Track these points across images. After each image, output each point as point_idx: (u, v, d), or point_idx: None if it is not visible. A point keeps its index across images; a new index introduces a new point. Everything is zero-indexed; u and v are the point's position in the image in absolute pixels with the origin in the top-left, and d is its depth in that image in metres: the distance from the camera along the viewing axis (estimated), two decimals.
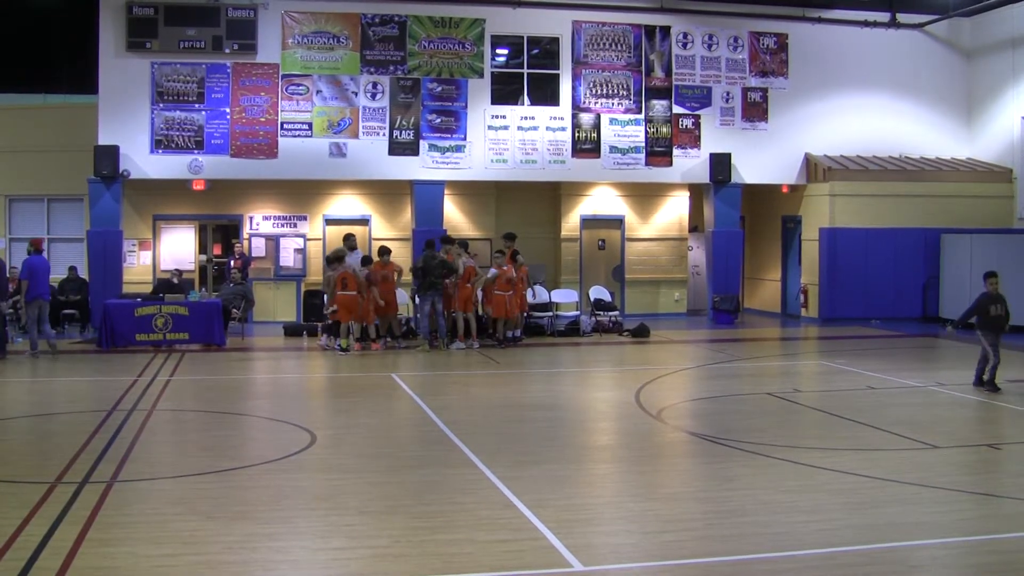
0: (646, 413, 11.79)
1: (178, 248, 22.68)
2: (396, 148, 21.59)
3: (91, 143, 20.44)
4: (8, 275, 17.77)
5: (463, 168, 21.93)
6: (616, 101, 22.59)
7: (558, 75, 22.39)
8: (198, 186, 21.30)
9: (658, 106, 22.80)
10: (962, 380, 13.75)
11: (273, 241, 22.73)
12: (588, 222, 24.08)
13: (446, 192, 22.31)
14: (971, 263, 21.55)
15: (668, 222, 24.43)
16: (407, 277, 19.11)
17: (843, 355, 17.18)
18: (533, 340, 19.32)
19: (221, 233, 23.32)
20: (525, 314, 19.52)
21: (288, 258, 22.77)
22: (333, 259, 17.97)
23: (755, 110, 23.33)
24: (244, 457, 9.59)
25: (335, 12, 21.36)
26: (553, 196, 24.07)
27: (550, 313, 20.95)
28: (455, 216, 23.22)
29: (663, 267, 24.38)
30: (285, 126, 21.19)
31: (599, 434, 10.95)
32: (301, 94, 21.25)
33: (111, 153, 20.16)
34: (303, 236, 22.83)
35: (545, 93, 22.46)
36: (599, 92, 22.49)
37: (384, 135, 21.54)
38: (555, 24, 22.38)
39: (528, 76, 22.40)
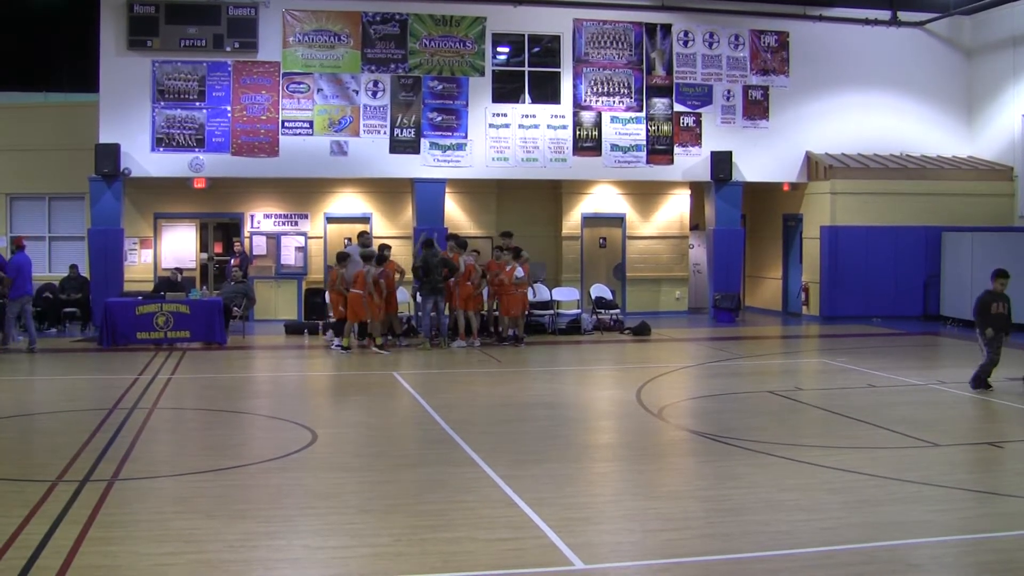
0: (647, 411, 11.78)
1: (179, 246, 22.68)
2: (397, 146, 21.58)
3: (92, 141, 20.46)
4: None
5: (464, 166, 21.92)
6: (617, 99, 22.57)
7: (559, 73, 22.38)
8: (199, 184, 21.29)
9: (659, 104, 22.78)
10: (964, 378, 13.72)
11: (274, 239, 22.72)
12: (589, 220, 24.08)
13: (447, 190, 22.31)
14: (972, 261, 21.55)
15: (669, 220, 24.42)
16: (408, 277, 19.05)
17: (844, 353, 17.17)
18: (534, 338, 19.30)
19: (222, 231, 23.32)
20: (527, 312, 19.47)
21: (289, 256, 22.76)
22: (368, 257, 17.73)
23: (756, 108, 23.31)
24: (244, 456, 9.58)
25: (336, 10, 21.34)
26: (554, 194, 24.07)
27: (551, 311, 20.95)
28: (456, 214, 23.21)
29: (664, 265, 24.38)
30: (286, 124, 21.19)
31: (600, 432, 10.95)
32: (302, 92, 21.24)
33: (112, 151, 20.16)
34: (304, 234, 22.82)
35: (546, 91, 22.45)
36: (600, 90, 22.47)
37: (385, 133, 21.53)
38: (556, 22, 22.37)
39: (529, 74, 22.39)
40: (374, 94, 21.46)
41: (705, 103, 23.06)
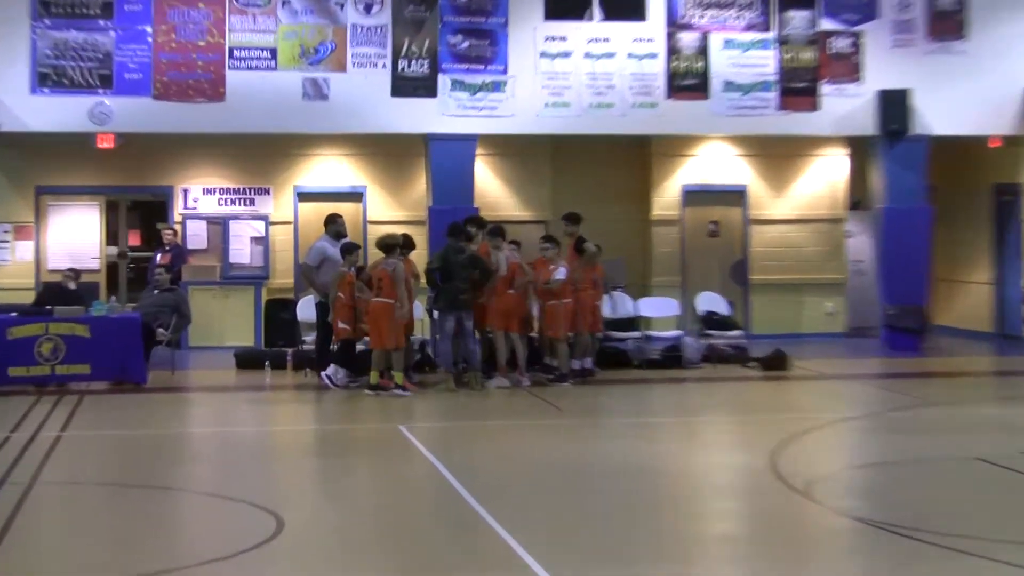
0: (787, 486, 11.67)
1: (75, 237, 22.95)
2: (403, 86, 21.59)
3: None
4: None
5: (503, 116, 21.90)
6: (733, 12, 22.49)
7: None
8: (104, 143, 21.34)
9: (797, 19, 22.68)
10: None
11: (219, 225, 22.89)
12: (692, 196, 24.18)
13: (478, 152, 22.32)
14: None
15: (815, 196, 24.52)
16: (423, 284, 19.04)
17: None
18: (611, 374, 19.27)
19: (141, 214, 23.47)
20: (600, 335, 19.40)
21: (242, 251, 22.91)
22: (348, 251, 18.00)
23: (947, 23, 23.05)
24: (174, 555, 9.49)
25: None
26: (639, 157, 24.19)
27: (637, 333, 20.93)
28: (491, 188, 23.30)
29: (808, 263, 24.45)
30: (235, 54, 21.26)
31: (715, 518, 10.86)
32: (259, 6, 21.27)
33: None
34: (264, 218, 22.99)
35: (626, 2, 22.36)
36: (708, 1, 22.35)
37: (385, 67, 21.56)
38: None
39: None
40: (367, 8, 21.47)
41: (868, 16, 22.89)
